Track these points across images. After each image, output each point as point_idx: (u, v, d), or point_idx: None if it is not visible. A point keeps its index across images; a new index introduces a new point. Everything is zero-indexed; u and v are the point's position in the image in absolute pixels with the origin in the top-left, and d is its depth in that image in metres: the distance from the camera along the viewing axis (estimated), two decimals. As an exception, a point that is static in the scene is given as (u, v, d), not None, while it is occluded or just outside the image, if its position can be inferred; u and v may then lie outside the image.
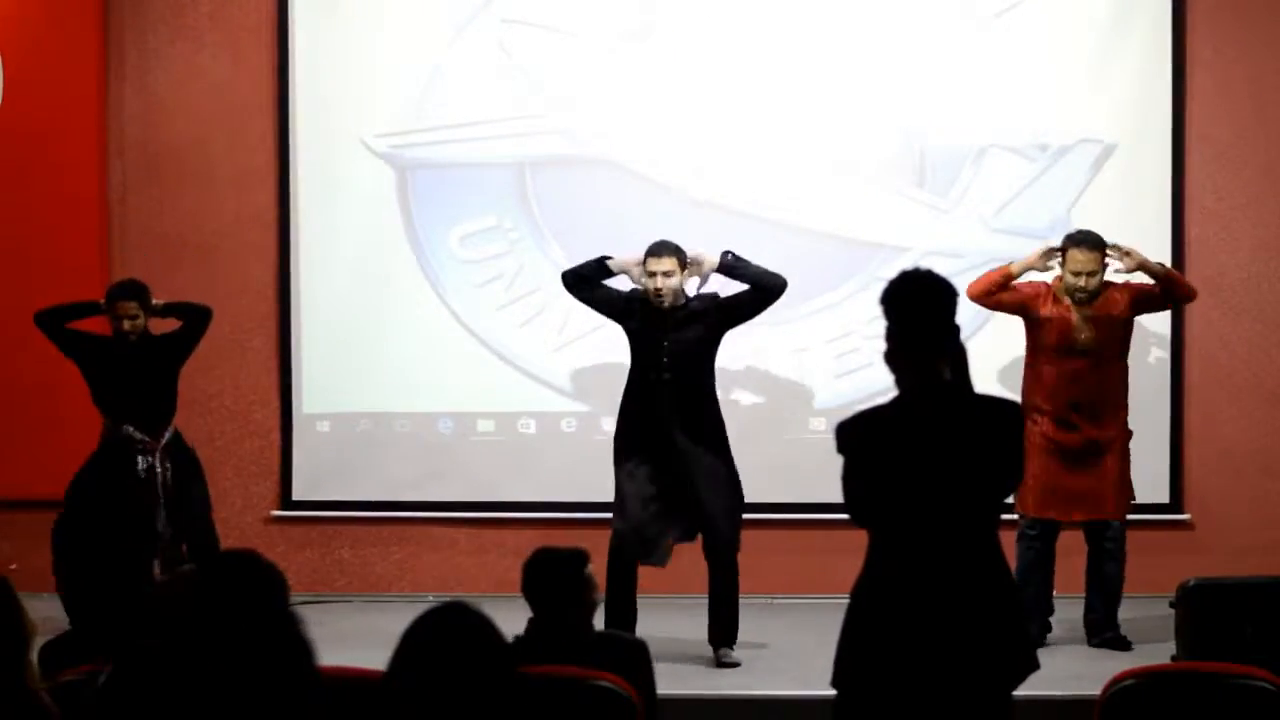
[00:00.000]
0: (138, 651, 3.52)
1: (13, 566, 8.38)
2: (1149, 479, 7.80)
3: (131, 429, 7.26)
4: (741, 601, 6.85)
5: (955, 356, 4.23)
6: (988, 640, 4.15)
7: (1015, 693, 4.27)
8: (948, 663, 4.12)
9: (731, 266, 6.87)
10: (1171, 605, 6.28)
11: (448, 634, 3.00)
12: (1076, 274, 6.87)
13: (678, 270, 6.76)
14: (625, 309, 6.89)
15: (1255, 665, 4.29)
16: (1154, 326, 7.97)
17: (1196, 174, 8.13)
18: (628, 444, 6.82)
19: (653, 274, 6.74)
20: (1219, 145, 8.13)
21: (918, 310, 4.22)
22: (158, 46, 8.49)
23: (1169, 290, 7.05)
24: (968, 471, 4.17)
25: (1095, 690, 4.36)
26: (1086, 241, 6.92)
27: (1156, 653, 6.42)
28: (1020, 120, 8.12)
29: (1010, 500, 6.77)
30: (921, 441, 4.17)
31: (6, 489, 8.35)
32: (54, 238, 8.27)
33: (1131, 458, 7.02)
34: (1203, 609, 6.07)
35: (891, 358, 4.24)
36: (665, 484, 6.71)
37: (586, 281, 6.94)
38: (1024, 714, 4.36)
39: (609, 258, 6.93)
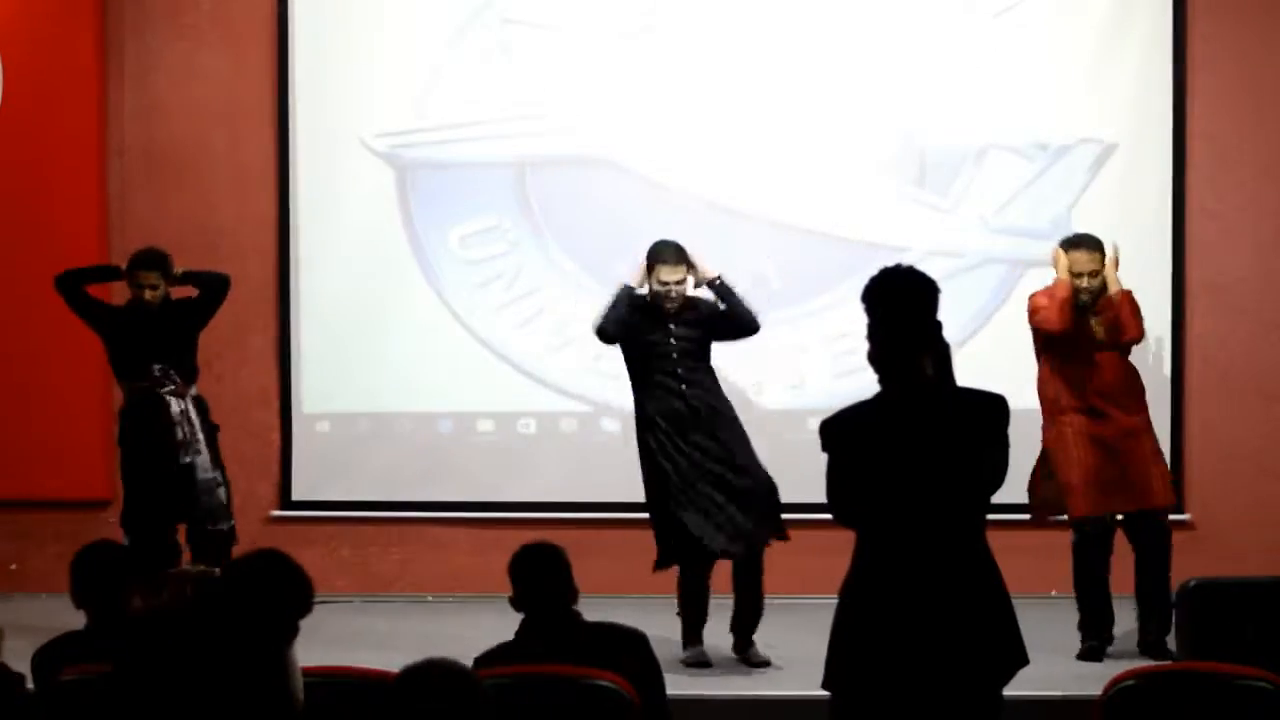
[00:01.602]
0: (142, 651, 3.53)
1: (12, 567, 8.40)
2: (1148, 479, 7.80)
3: (163, 367, 7.17)
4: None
5: (938, 353, 4.23)
6: (976, 637, 4.14)
7: (1017, 693, 4.26)
8: (937, 661, 4.11)
9: (719, 290, 6.82)
10: (1172, 605, 6.27)
11: (432, 695, 2.99)
12: (1079, 275, 6.82)
13: (686, 274, 6.77)
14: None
15: (1256, 665, 4.28)
16: (1154, 327, 7.96)
17: (1197, 174, 8.12)
18: (661, 445, 6.74)
19: (665, 283, 6.72)
20: (1219, 145, 8.12)
21: (899, 307, 4.23)
22: (158, 46, 8.49)
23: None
24: (952, 468, 4.16)
25: (1095, 690, 4.36)
26: (1084, 243, 6.88)
27: (1157, 653, 6.41)
28: (1020, 120, 8.12)
29: (1064, 516, 6.76)
30: (905, 439, 4.17)
31: (6, 489, 8.35)
32: (54, 238, 8.26)
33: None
34: (1203, 609, 6.06)
35: (874, 355, 4.25)
36: (712, 475, 6.71)
37: (624, 324, 6.79)
38: (1025, 714, 4.37)
39: (631, 287, 6.80)
